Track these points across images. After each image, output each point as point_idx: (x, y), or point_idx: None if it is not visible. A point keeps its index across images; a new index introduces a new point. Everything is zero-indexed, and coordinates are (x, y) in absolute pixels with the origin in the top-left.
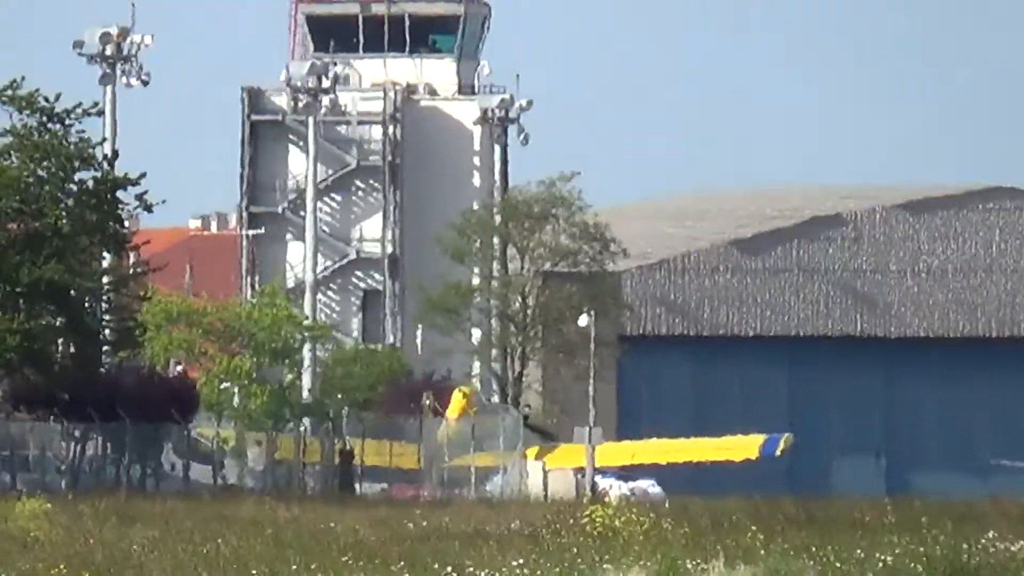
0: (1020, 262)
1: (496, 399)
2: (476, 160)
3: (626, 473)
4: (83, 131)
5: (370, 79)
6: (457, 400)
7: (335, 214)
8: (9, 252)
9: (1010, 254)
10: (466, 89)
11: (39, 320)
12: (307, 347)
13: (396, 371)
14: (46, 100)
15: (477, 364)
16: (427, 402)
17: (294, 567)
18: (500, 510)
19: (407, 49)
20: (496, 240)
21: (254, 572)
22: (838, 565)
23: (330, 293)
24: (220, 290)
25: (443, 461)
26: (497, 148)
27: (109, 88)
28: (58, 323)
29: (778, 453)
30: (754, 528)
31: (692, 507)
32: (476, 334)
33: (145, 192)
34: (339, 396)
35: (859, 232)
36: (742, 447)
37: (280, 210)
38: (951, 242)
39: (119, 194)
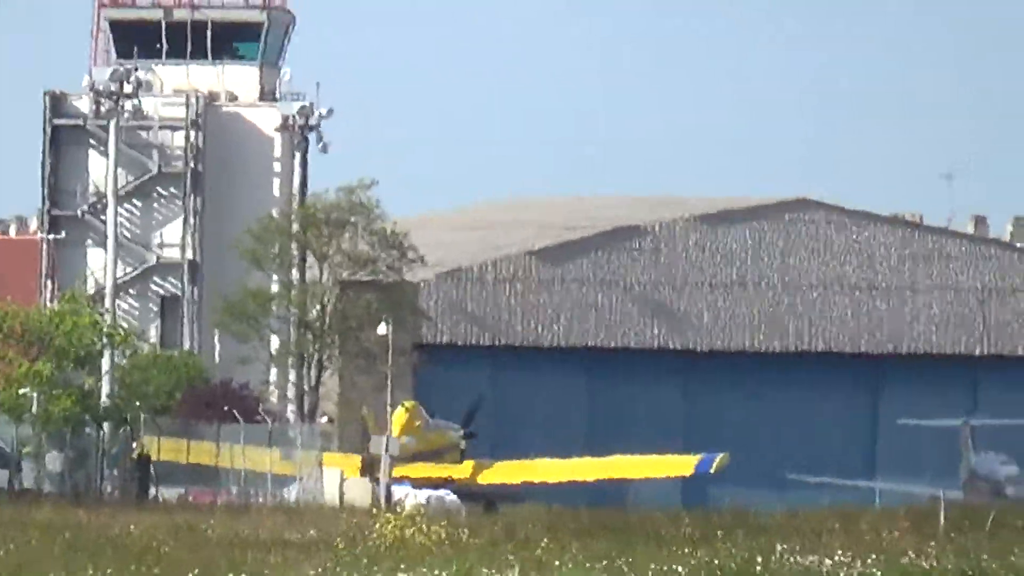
0: (822, 276)
1: (292, 407)
2: (277, 167)
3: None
4: None
5: (173, 85)
6: (400, 415)
7: (135, 219)
8: None
9: (812, 268)
10: (268, 96)
11: None
12: (107, 353)
13: (193, 377)
14: None
15: (274, 372)
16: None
17: (90, 572)
18: (297, 517)
19: (210, 56)
20: (295, 247)
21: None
22: None
23: (129, 299)
24: (20, 294)
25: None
26: (297, 155)
27: None
28: None
29: (712, 470)
30: (547, 539)
31: (488, 517)
32: (275, 342)
33: None
34: (137, 402)
35: (658, 243)
36: (678, 465)
37: (80, 214)
38: (751, 255)
39: None
